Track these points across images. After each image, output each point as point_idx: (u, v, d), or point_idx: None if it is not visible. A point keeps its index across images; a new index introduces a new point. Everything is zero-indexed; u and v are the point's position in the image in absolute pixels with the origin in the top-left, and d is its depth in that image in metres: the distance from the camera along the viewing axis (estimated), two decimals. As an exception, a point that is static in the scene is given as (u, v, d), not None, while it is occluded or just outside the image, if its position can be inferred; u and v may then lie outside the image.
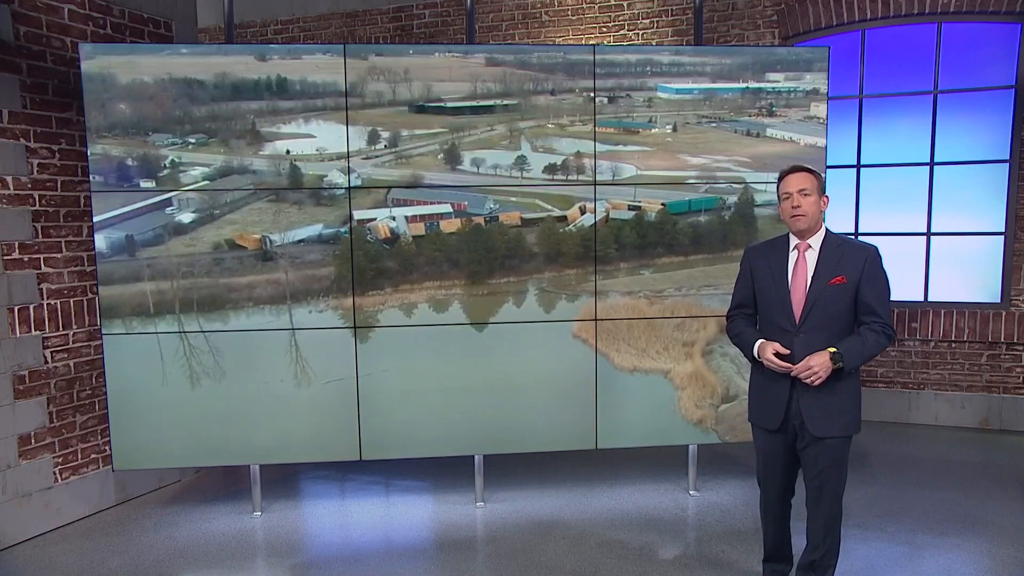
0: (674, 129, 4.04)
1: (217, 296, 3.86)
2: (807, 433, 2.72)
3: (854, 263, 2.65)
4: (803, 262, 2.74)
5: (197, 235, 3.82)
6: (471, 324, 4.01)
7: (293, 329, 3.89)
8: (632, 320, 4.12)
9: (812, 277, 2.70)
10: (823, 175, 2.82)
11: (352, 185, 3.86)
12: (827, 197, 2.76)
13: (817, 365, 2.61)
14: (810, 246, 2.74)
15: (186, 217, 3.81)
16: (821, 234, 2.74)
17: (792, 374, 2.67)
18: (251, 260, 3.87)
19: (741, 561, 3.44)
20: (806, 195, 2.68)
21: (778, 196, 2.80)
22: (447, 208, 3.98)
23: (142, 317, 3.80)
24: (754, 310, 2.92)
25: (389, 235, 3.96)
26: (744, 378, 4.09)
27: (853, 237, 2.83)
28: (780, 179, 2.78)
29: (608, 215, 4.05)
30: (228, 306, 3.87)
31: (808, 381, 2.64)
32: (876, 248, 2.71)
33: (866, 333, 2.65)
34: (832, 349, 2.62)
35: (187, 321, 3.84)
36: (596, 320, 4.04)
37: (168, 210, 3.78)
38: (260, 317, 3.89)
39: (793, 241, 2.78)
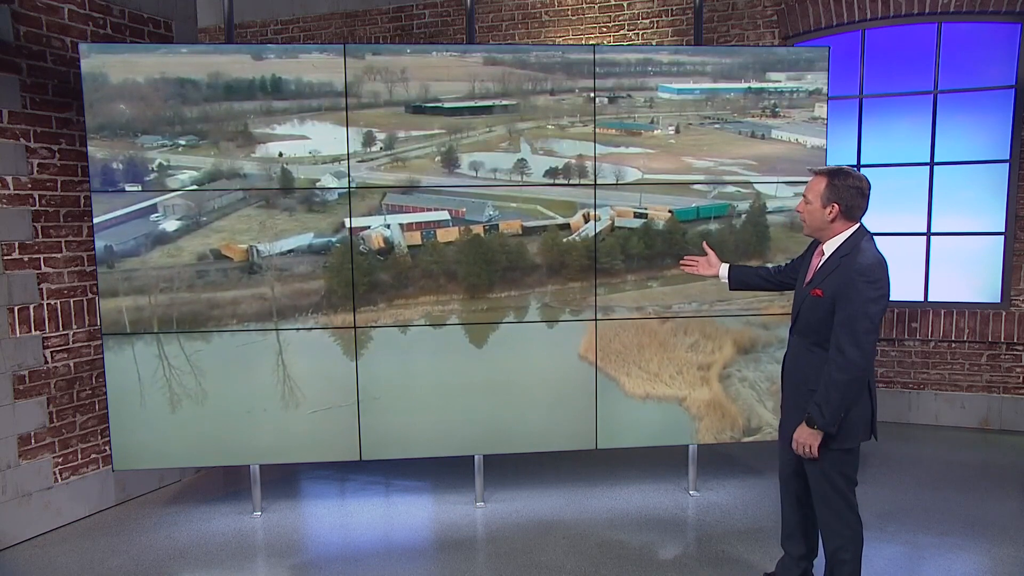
0: (677, 130, 4.00)
1: (198, 313, 3.77)
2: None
3: (838, 279, 2.57)
4: (813, 266, 2.76)
5: (183, 243, 3.72)
6: (470, 340, 3.94)
7: (277, 330, 3.88)
8: (642, 341, 4.02)
9: (807, 282, 2.74)
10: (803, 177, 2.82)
11: (346, 189, 3.81)
12: (835, 206, 2.61)
13: (799, 438, 2.63)
14: (823, 252, 2.72)
15: (175, 223, 3.72)
16: (837, 241, 2.66)
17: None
18: (236, 272, 3.78)
19: (741, 561, 3.44)
20: (807, 203, 2.70)
21: None
22: (444, 215, 3.89)
23: (126, 332, 3.72)
24: (784, 276, 3.06)
25: (383, 245, 3.86)
26: (766, 407, 4.05)
27: (872, 245, 2.63)
28: None
29: (613, 223, 3.97)
30: (211, 323, 3.77)
31: (803, 455, 2.66)
32: (870, 265, 2.52)
33: (825, 374, 2.57)
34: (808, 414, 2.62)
35: (178, 337, 3.76)
36: (596, 320, 4.02)
37: (153, 216, 3.69)
38: (245, 334, 3.80)
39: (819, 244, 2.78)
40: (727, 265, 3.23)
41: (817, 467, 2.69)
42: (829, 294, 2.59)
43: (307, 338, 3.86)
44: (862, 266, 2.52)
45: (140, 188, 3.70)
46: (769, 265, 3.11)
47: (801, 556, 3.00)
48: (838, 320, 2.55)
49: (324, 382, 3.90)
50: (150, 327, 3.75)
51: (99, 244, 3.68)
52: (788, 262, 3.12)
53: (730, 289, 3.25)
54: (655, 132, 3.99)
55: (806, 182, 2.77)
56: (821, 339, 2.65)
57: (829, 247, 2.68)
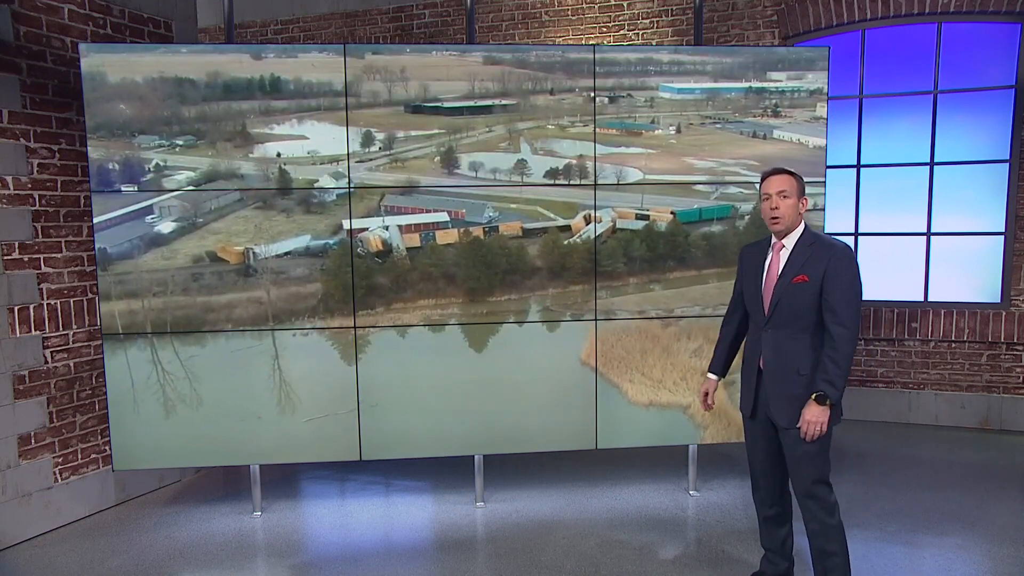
0: (678, 130, 3.99)
1: (193, 317, 3.74)
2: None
3: (819, 262, 2.71)
4: (776, 260, 2.84)
5: (179, 245, 3.69)
6: (469, 344, 3.93)
7: (274, 330, 3.88)
8: (645, 346, 3.99)
9: (779, 275, 2.80)
10: (804, 178, 2.90)
11: (346, 190, 3.79)
12: (806, 199, 2.84)
13: (812, 418, 2.68)
14: (784, 245, 2.83)
15: (171, 225, 3.69)
16: (796, 234, 2.82)
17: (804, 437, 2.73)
18: (232, 275, 3.75)
19: (741, 561, 3.44)
20: (785, 197, 2.78)
21: (759, 196, 2.90)
22: (444, 217, 3.86)
23: (119, 333, 3.70)
24: (741, 316, 3.10)
25: (381, 247, 3.82)
26: None
27: (829, 235, 2.88)
28: (761, 180, 2.88)
29: (614, 224, 3.95)
30: (206, 328, 3.75)
31: (813, 435, 2.69)
32: (845, 246, 2.74)
33: (827, 348, 2.67)
34: (816, 393, 2.67)
35: (172, 341, 3.74)
36: (596, 320, 4.02)
37: (149, 218, 3.67)
38: (240, 338, 3.78)
39: (773, 241, 2.88)
40: (714, 376, 3.17)
41: (808, 455, 2.74)
42: (815, 278, 2.70)
43: (304, 342, 3.85)
44: (841, 248, 2.72)
45: (136, 189, 3.68)
46: (730, 320, 3.12)
47: (781, 548, 3.06)
48: (834, 298, 2.66)
49: (322, 387, 3.89)
50: (144, 331, 3.73)
51: (98, 245, 3.67)
52: (732, 300, 3.13)
53: (722, 377, 3.19)
54: (656, 132, 3.97)
55: (810, 183, 2.85)
56: (807, 324, 2.73)
57: (790, 240, 2.83)
